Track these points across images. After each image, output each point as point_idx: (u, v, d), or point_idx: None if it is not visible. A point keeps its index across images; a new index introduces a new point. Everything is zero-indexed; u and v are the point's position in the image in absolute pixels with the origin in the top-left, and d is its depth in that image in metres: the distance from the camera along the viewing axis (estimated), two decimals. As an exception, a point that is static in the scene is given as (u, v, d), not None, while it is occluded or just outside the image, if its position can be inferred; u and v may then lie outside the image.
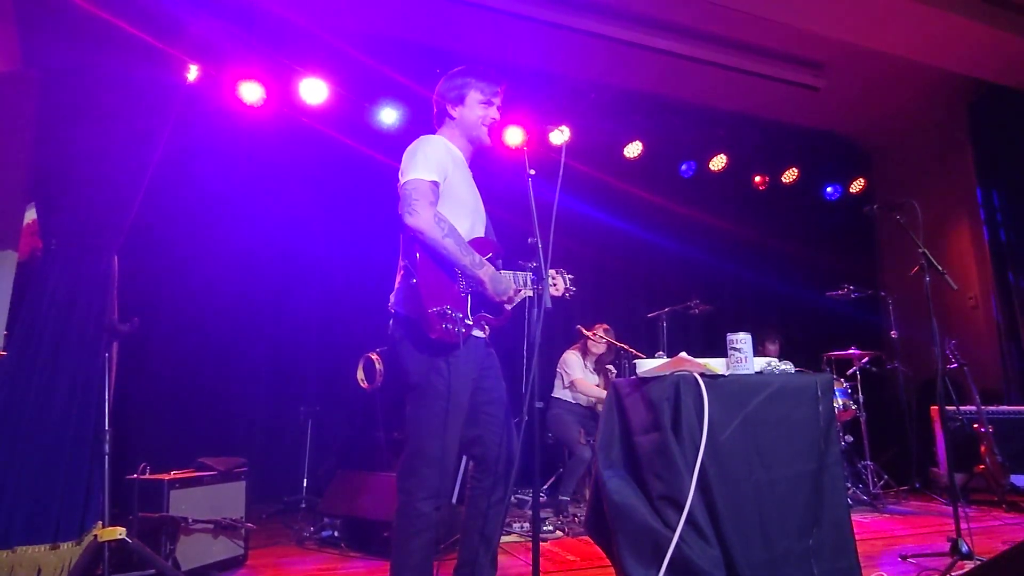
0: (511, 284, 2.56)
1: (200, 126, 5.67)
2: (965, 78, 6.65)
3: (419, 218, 2.38)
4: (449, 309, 2.38)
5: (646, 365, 2.92)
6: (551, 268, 2.67)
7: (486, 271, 2.51)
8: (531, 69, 6.58)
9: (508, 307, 2.64)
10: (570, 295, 2.84)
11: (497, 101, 2.70)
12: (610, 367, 5.66)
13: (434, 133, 2.72)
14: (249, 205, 6.04)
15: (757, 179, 7.82)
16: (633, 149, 7.18)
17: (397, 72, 6.14)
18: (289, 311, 6.11)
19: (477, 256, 2.51)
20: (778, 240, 8.10)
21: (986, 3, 5.71)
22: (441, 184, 2.50)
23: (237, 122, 5.92)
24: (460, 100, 2.68)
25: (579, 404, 5.55)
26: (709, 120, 7.46)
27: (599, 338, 5.59)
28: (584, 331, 5.64)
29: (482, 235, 2.69)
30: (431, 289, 2.41)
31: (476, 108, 2.67)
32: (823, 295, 6.16)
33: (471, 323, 2.48)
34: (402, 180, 2.46)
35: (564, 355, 5.75)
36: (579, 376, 5.54)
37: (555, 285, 2.77)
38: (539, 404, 2.34)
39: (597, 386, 5.62)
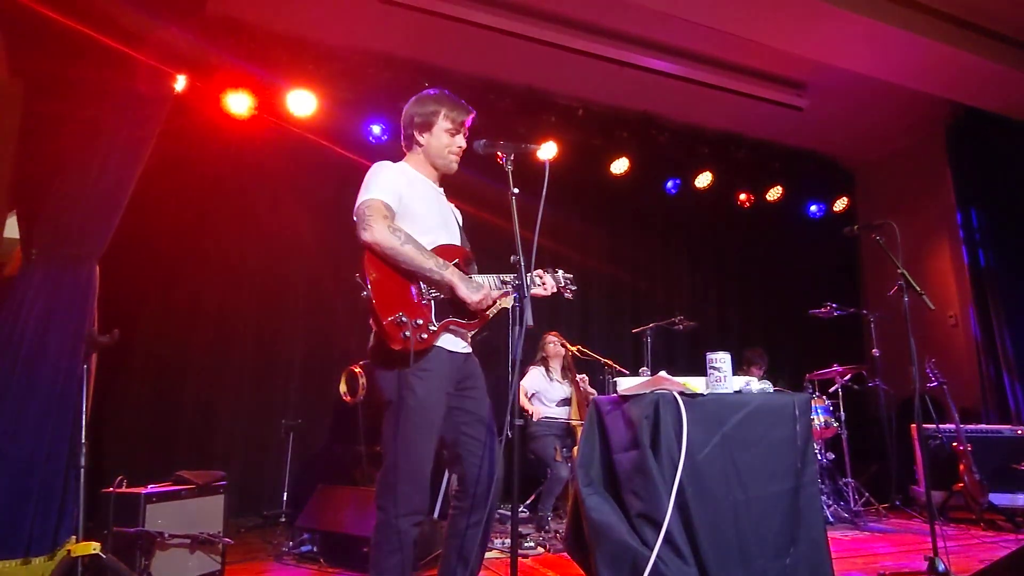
0: (484, 287, 2.52)
1: (188, 137, 5.59)
2: (943, 100, 6.69)
3: (373, 231, 2.39)
4: (403, 317, 2.35)
5: (626, 383, 2.93)
6: (538, 270, 2.67)
7: (452, 272, 2.48)
8: (519, 85, 6.59)
9: (489, 312, 2.60)
10: (571, 295, 2.79)
11: (464, 130, 2.70)
12: (582, 377, 5.57)
13: (404, 155, 2.74)
14: (234, 216, 5.96)
15: (742, 197, 7.84)
16: (620, 166, 7.15)
17: (384, 85, 6.13)
18: (272, 322, 5.99)
19: (440, 259, 2.49)
20: (762, 257, 8.10)
21: (961, 28, 5.76)
22: (397, 203, 2.51)
23: (224, 133, 5.85)
24: (427, 127, 2.67)
25: (557, 420, 5.49)
26: (694, 138, 7.44)
27: (550, 343, 5.60)
28: (554, 343, 5.65)
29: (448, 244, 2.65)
30: (383, 298, 2.39)
31: (443, 137, 2.68)
32: (806, 312, 6.09)
33: (435, 329, 2.43)
34: (357, 203, 2.48)
35: (526, 371, 5.68)
36: (524, 384, 5.50)
37: (543, 285, 2.70)
38: (519, 421, 2.32)
39: (562, 403, 5.54)
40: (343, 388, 4.95)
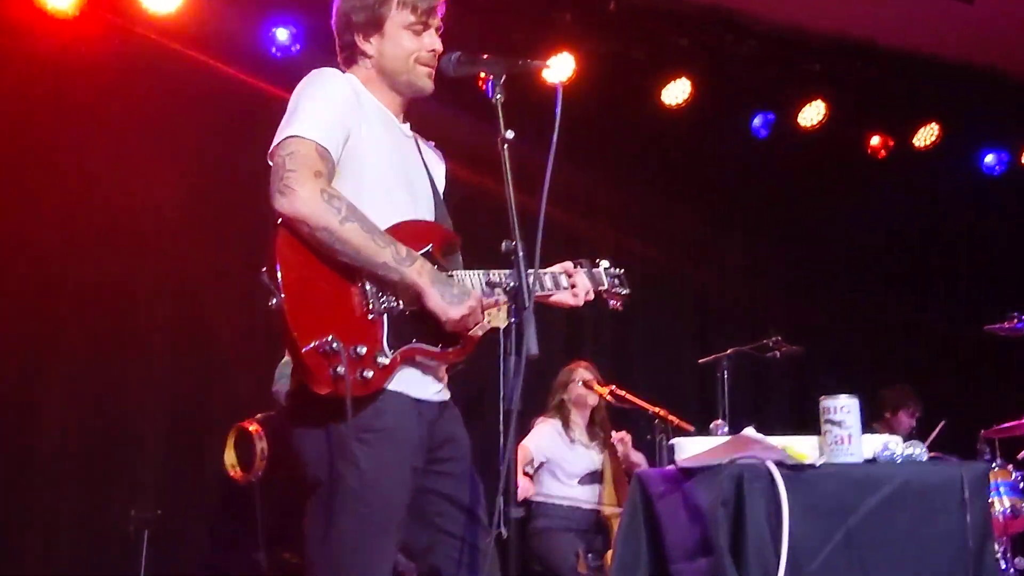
0: (473, 293, 2.18)
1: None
2: None
3: (296, 197, 2.05)
4: (335, 342, 2.02)
5: (690, 447, 2.74)
6: (566, 262, 2.42)
7: (421, 269, 2.12)
8: None
9: (477, 331, 2.26)
10: (620, 303, 2.57)
11: (435, 22, 2.33)
12: (622, 437, 4.99)
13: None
14: (47, 179, 5.07)
15: (874, 141, 6.82)
16: (676, 91, 6.10)
17: None
18: (112, 353, 5.11)
19: (403, 248, 2.12)
20: (906, 239, 7.22)
21: None
22: (340, 148, 2.17)
23: (36, 41, 4.98)
24: (375, 26, 2.30)
25: (578, 507, 4.98)
26: (798, 47, 6.34)
27: (578, 384, 5.03)
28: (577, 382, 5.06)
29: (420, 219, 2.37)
30: (303, 311, 2.07)
31: (402, 37, 2.30)
32: (980, 329, 5.00)
33: (387, 362, 2.11)
34: (275, 141, 2.13)
35: (534, 425, 5.15)
36: (526, 444, 4.99)
37: (571, 287, 2.39)
38: (517, 512, 2.01)
39: (587, 478, 5.02)
40: (229, 458, 4.51)
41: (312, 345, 2.03)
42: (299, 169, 2.07)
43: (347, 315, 2.15)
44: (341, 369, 2.02)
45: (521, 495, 4.74)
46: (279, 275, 2.05)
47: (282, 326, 2.05)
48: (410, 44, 2.32)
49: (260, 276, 2.10)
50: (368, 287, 2.16)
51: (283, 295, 2.05)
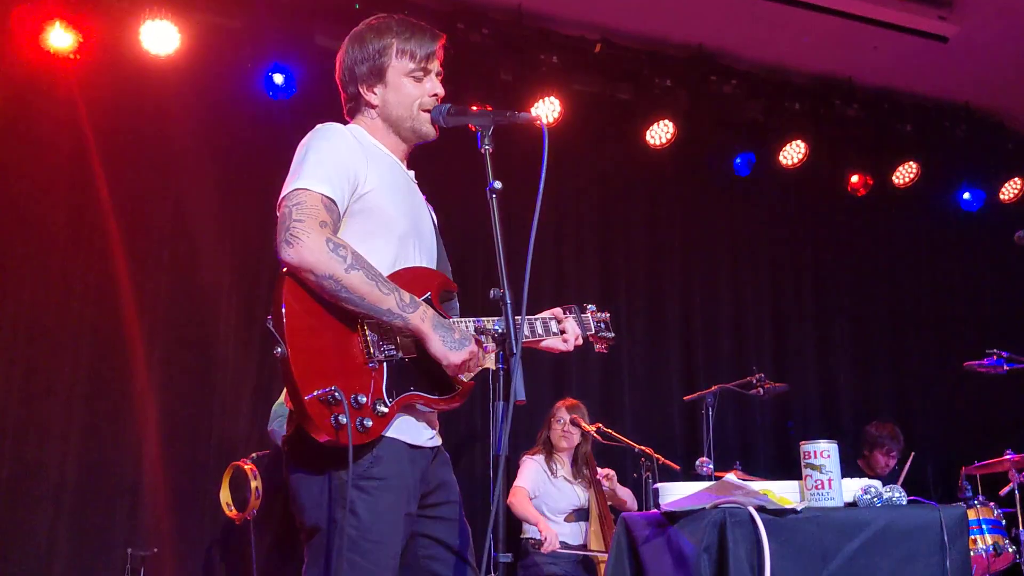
0: (469, 336, 2.22)
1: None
2: None
3: (303, 247, 2.05)
4: (337, 392, 2.03)
5: (673, 492, 2.72)
6: (557, 308, 2.46)
7: (422, 315, 2.16)
8: (504, 6, 5.68)
9: (467, 376, 2.28)
10: (606, 347, 2.61)
11: (435, 67, 2.37)
12: (607, 473, 4.99)
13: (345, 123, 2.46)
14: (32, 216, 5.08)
15: (854, 179, 6.84)
16: (660, 132, 6.15)
17: (288, 8, 5.27)
18: (105, 386, 5.06)
19: (406, 294, 2.16)
20: (887, 276, 7.23)
21: None
22: (348, 198, 2.19)
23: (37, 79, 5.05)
24: (378, 76, 2.34)
25: (565, 545, 4.84)
26: (779, 87, 6.45)
27: (559, 421, 5.02)
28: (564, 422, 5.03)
29: (423, 266, 2.38)
30: (307, 361, 2.08)
31: (406, 85, 2.33)
32: (959, 364, 5.11)
33: (387, 410, 2.13)
34: (283, 193, 2.17)
35: (521, 463, 5.15)
36: (522, 485, 4.97)
37: (561, 333, 2.41)
38: (505, 557, 1.97)
39: (573, 515, 5.00)
40: (224, 496, 4.52)
41: (315, 394, 2.06)
42: (305, 219, 2.08)
43: (348, 363, 2.17)
44: (343, 419, 2.04)
45: (549, 544, 4.72)
46: (284, 323, 2.08)
47: (286, 373, 2.07)
48: (413, 91, 2.34)
49: (266, 323, 2.13)
50: (369, 335, 2.17)
51: (288, 343, 2.07)
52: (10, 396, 4.96)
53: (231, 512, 4.48)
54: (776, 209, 6.96)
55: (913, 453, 5.11)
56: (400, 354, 2.20)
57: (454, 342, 2.19)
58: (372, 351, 2.17)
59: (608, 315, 2.63)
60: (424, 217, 2.44)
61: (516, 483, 4.95)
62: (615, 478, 5.01)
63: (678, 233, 6.68)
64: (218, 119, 5.32)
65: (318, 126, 2.28)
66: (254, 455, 4.53)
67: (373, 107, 2.37)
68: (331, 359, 2.15)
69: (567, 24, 5.82)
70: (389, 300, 2.14)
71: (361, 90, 2.35)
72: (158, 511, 5.13)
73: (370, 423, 2.10)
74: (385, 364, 2.20)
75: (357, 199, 2.23)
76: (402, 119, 2.36)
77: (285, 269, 2.12)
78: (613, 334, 2.61)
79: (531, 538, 4.87)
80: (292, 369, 2.05)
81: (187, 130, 5.27)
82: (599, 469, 5.05)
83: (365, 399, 2.12)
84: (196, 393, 5.23)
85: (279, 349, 2.08)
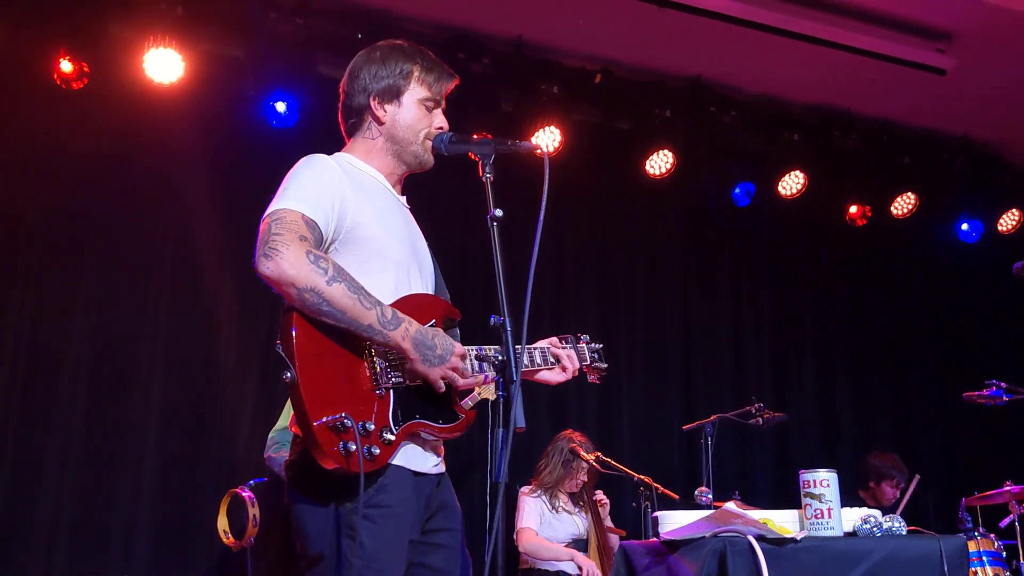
0: (451, 348, 2.17)
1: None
2: None
3: (282, 259, 2.02)
4: (347, 419, 2.02)
5: (673, 520, 2.73)
6: (552, 338, 2.49)
7: (403, 332, 2.11)
8: (504, 37, 5.72)
9: (468, 403, 2.29)
10: (599, 377, 2.62)
11: (443, 104, 2.40)
12: (601, 501, 5.06)
13: (344, 145, 2.44)
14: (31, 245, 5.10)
15: (853, 210, 6.86)
16: (660, 162, 6.18)
17: (292, 37, 5.28)
18: (103, 414, 5.05)
19: (389, 309, 2.12)
20: (885, 307, 7.24)
21: None
22: (332, 225, 2.16)
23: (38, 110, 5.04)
24: (394, 95, 2.34)
25: (563, 573, 4.88)
26: (777, 119, 6.44)
27: (581, 470, 5.00)
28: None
29: (425, 292, 2.38)
30: (317, 387, 2.06)
31: (416, 111, 2.34)
32: (958, 397, 5.05)
33: (394, 438, 2.12)
34: (262, 217, 2.18)
35: (519, 499, 5.10)
36: (529, 526, 4.92)
37: (558, 364, 2.42)
38: None
39: (573, 545, 4.95)
40: (222, 524, 4.42)
41: (324, 420, 2.04)
42: (284, 233, 2.07)
43: (356, 390, 2.15)
44: (352, 446, 2.03)
45: (553, 556, 4.78)
46: (294, 348, 2.06)
47: (295, 399, 2.06)
48: (423, 119, 2.35)
49: (275, 348, 2.11)
50: (377, 362, 2.16)
51: (297, 368, 2.06)
52: (8, 423, 4.93)
53: (228, 540, 4.43)
54: (775, 239, 6.97)
55: (918, 476, 5.07)
56: (406, 382, 2.19)
57: (435, 358, 2.18)
58: (379, 378, 2.16)
59: (601, 346, 2.64)
60: (421, 243, 2.44)
61: (522, 525, 4.91)
62: (608, 507, 5.04)
63: (677, 262, 6.68)
64: (221, 147, 5.31)
65: (303, 157, 2.28)
66: (252, 482, 4.47)
67: (380, 123, 2.35)
68: (340, 385, 2.13)
69: (567, 55, 5.87)
70: (370, 315, 2.11)
71: (372, 103, 2.34)
72: (155, 538, 5.10)
73: (377, 451, 2.09)
74: (392, 392, 2.19)
75: (348, 230, 2.22)
76: (407, 141, 2.35)
77: (270, 285, 2.12)
78: (606, 364, 2.62)
79: (529, 567, 4.87)
80: (302, 394, 2.04)
81: (190, 157, 5.28)
82: (596, 495, 5.07)
83: (372, 426, 2.11)
84: (194, 420, 5.20)
85: (288, 374, 2.06)
